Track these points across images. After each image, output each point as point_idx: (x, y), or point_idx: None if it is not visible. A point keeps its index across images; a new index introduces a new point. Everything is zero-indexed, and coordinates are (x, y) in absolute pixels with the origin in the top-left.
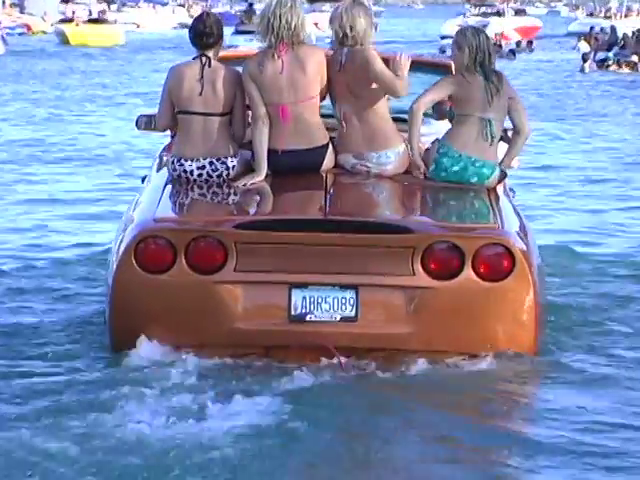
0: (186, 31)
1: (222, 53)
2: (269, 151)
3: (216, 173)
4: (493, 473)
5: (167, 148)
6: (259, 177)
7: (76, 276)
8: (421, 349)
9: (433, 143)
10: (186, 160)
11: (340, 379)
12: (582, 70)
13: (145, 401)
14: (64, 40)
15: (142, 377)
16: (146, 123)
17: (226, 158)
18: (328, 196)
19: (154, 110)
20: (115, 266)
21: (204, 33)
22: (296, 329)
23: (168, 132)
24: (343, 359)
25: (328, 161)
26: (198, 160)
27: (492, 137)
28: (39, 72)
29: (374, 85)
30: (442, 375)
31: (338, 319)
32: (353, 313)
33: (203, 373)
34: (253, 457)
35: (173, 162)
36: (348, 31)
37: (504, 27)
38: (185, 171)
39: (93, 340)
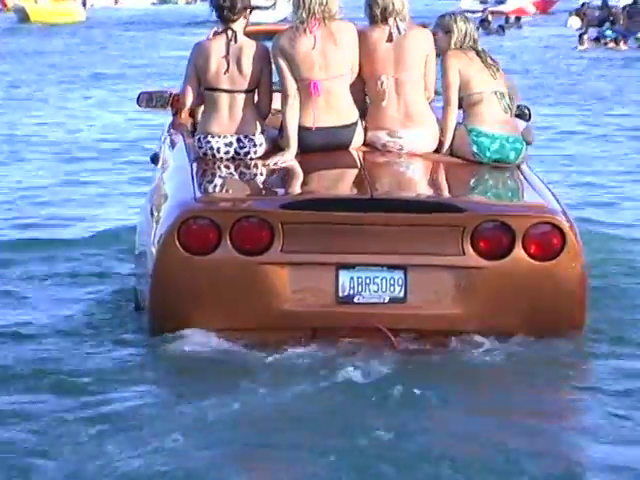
0: (165, 7)
1: (250, 28)
2: (299, 128)
3: (244, 150)
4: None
5: (172, 125)
6: (290, 155)
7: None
8: (471, 330)
9: (456, 128)
10: (213, 137)
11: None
12: (579, 46)
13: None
14: (24, 17)
15: (187, 361)
16: (147, 100)
17: (254, 135)
18: (369, 175)
19: (153, 87)
20: (156, 248)
21: (223, 7)
22: (344, 310)
23: (169, 110)
24: (395, 339)
25: (358, 139)
26: (225, 137)
27: (510, 109)
28: None
29: (422, 62)
30: (495, 355)
31: (387, 300)
32: (402, 294)
33: (249, 356)
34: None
35: (199, 139)
36: (392, 6)
37: (522, 1)
38: (212, 148)
39: (121, 323)
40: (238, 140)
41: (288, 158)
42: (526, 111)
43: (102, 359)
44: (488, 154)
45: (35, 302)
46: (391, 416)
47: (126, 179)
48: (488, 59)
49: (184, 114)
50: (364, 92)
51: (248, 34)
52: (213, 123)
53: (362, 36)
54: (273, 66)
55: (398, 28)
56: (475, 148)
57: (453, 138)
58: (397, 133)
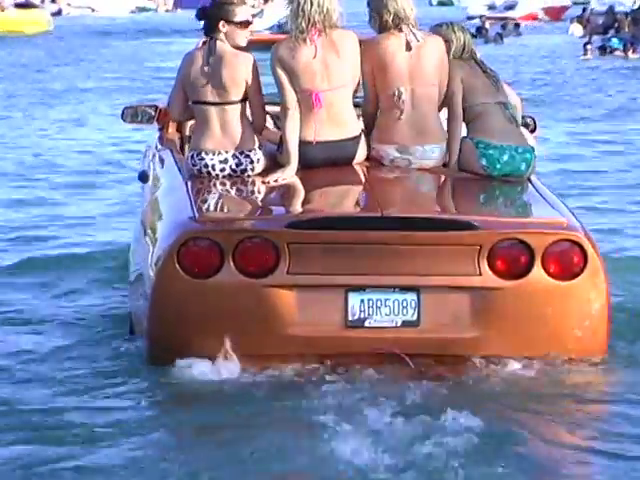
0: (143, 15)
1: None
2: (299, 143)
3: (240, 167)
4: None
5: (160, 140)
6: (291, 171)
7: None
8: (488, 354)
9: (461, 142)
10: (207, 154)
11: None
12: (582, 56)
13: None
14: None
15: (189, 393)
16: (132, 115)
17: (250, 151)
18: (377, 191)
19: (139, 100)
20: (154, 271)
21: (198, 17)
22: (354, 335)
23: (156, 125)
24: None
25: (361, 153)
26: (220, 154)
27: (515, 120)
28: None
29: (437, 72)
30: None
31: (399, 324)
32: (415, 317)
33: (256, 386)
34: None
35: (192, 156)
36: (404, 12)
37: (533, 7)
38: (206, 165)
39: (115, 349)
40: (234, 157)
41: (289, 175)
42: (530, 121)
43: (95, 394)
44: (498, 166)
45: (17, 332)
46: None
47: (110, 198)
48: (488, 70)
49: (171, 129)
50: (376, 105)
51: (248, 44)
52: (205, 139)
53: (374, 45)
54: (263, 78)
55: (415, 35)
56: (484, 161)
57: (460, 152)
58: (408, 149)
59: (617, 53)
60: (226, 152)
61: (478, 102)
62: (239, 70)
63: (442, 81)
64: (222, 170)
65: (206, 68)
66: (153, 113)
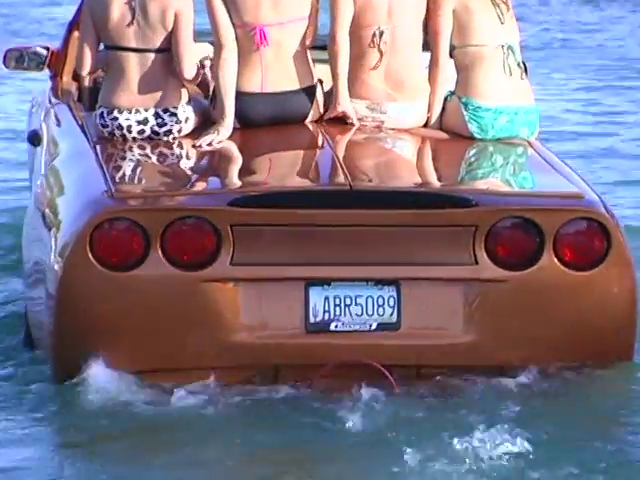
0: None
1: None
2: (239, 94)
3: (164, 129)
4: None
5: (53, 92)
6: (227, 130)
7: None
8: (487, 364)
9: (447, 99)
10: (121, 112)
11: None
12: None
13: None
14: None
15: (107, 419)
16: (17, 59)
17: (175, 108)
18: (344, 159)
19: (25, 42)
20: (60, 262)
21: None
22: (317, 341)
23: (46, 71)
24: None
25: (316, 109)
26: (138, 112)
27: (521, 67)
28: None
29: (422, 5)
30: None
31: (374, 327)
32: (394, 318)
33: (193, 410)
34: None
35: (102, 115)
36: None
37: None
38: (120, 126)
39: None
40: (156, 115)
41: (224, 135)
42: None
43: None
44: (491, 132)
45: None
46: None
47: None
48: None
49: (66, 77)
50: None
51: None
52: (120, 93)
53: None
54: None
55: None
56: (474, 126)
57: (443, 110)
58: (380, 106)
59: None
60: (146, 110)
61: (473, 42)
62: (172, 6)
63: (429, 13)
64: (141, 132)
65: (130, 5)
66: (44, 57)
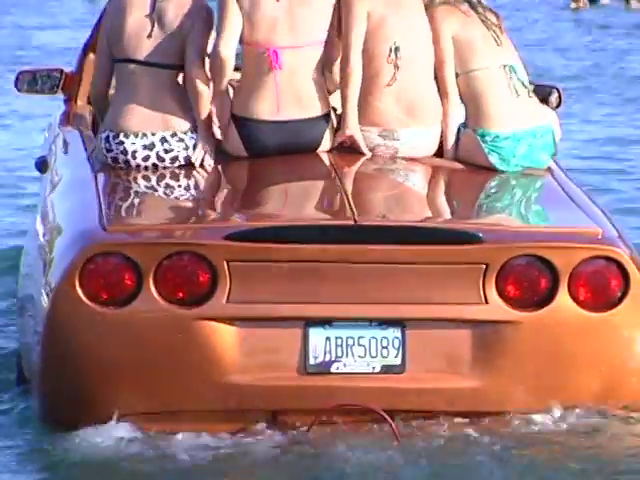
0: None
1: None
2: (247, 121)
3: (170, 155)
4: None
5: (65, 117)
6: (206, 141)
7: None
8: (497, 410)
9: (460, 132)
10: (127, 136)
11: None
12: (572, 3)
13: None
14: None
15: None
16: (29, 83)
17: (184, 133)
18: (351, 192)
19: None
20: (49, 297)
21: None
22: (316, 384)
23: (61, 95)
24: (395, 425)
25: (328, 138)
26: (145, 136)
27: (526, 86)
28: None
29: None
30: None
31: (378, 369)
32: (399, 360)
33: (186, 457)
34: None
35: (108, 139)
36: None
37: None
38: (125, 151)
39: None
40: (162, 140)
41: (208, 150)
42: (555, 93)
43: None
44: (514, 161)
45: None
46: None
47: None
48: (488, 13)
49: (81, 101)
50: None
51: None
52: (128, 114)
53: None
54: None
55: None
56: (496, 158)
57: (458, 141)
58: (393, 133)
59: (611, 4)
60: (153, 134)
61: (475, 67)
62: (189, 18)
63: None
64: (146, 159)
65: (150, 17)
66: (58, 79)
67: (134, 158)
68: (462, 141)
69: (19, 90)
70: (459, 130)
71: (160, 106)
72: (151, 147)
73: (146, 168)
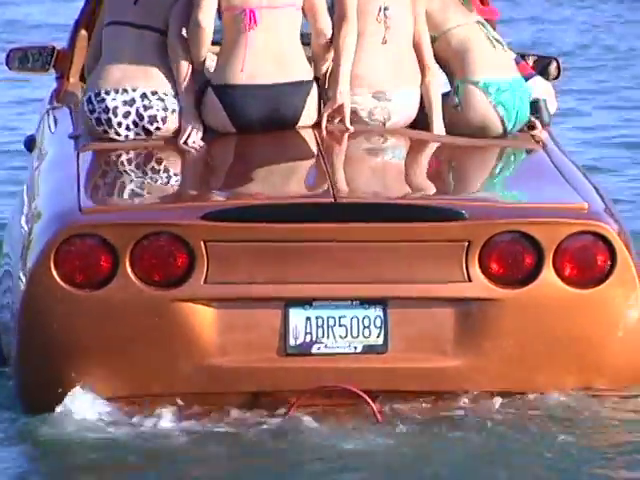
0: None
1: None
2: (224, 87)
3: (149, 112)
4: None
5: (55, 96)
6: (189, 118)
7: None
8: (480, 389)
9: (458, 88)
10: (108, 93)
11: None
12: None
13: None
14: None
15: (74, 451)
16: (21, 60)
17: (165, 95)
18: (332, 169)
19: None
20: (24, 278)
21: None
22: (297, 365)
23: (52, 72)
24: (377, 406)
25: (313, 109)
26: (125, 91)
27: (498, 41)
28: None
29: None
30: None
31: (359, 349)
32: (381, 340)
33: (165, 439)
34: None
35: (90, 99)
36: None
37: None
38: (107, 109)
39: None
40: (143, 96)
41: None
42: (554, 63)
43: None
44: (513, 113)
45: None
46: None
47: None
48: None
49: (73, 78)
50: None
51: None
52: (110, 72)
53: None
54: None
55: None
56: (501, 111)
57: (458, 105)
58: (385, 94)
59: None
60: (134, 90)
61: (452, 25)
62: None
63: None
64: (126, 115)
65: None
66: (49, 56)
67: (115, 115)
68: (469, 100)
69: (10, 68)
70: (459, 88)
71: (143, 63)
72: (131, 103)
73: (127, 128)
